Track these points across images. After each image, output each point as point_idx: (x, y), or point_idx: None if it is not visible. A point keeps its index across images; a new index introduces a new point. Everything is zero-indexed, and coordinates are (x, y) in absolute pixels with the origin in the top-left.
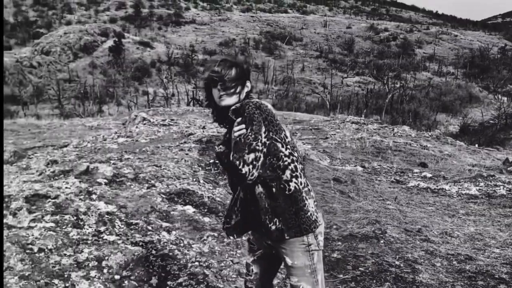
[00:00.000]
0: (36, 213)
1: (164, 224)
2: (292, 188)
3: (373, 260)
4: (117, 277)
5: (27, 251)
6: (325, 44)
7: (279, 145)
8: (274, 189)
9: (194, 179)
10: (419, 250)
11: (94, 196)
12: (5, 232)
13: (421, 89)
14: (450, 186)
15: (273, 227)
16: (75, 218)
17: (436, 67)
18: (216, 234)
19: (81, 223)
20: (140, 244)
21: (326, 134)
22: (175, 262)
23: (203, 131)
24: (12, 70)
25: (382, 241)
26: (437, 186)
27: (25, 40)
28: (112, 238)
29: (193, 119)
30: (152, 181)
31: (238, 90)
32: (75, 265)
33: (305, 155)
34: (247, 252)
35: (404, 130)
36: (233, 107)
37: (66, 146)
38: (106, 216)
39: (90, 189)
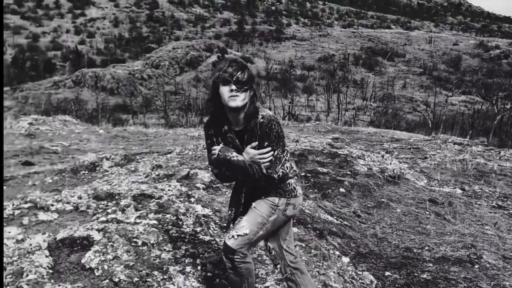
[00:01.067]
0: (141, 211)
1: None
2: (280, 174)
3: (466, 285)
4: (209, 274)
5: (132, 244)
6: (429, 61)
7: (284, 153)
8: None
9: None
10: None
11: (192, 199)
12: (114, 225)
13: None
14: None
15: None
16: (175, 217)
17: None
18: (303, 245)
19: (180, 222)
20: None
21: (425, 154)
22: (263, 266)
23: (296, 145)
24: (125, 81)
25: (476, 266)
26: None
27: (137, 54)
28: (207, 238)
29: (288, 132)
30: None
31: (247, 93)
32: (173, 260)
33: (400, 174)
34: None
35: None
36: (260, 119)
37: (170, 153)
38: (203, 218)
39: (190, 192)
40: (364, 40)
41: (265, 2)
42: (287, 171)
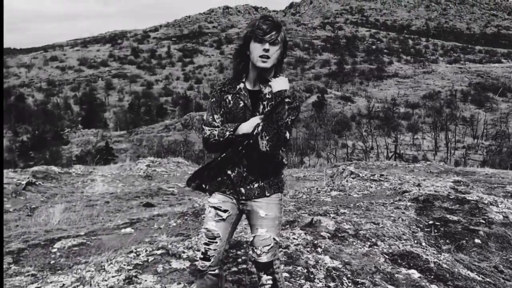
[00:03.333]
0: None
1: (390, 287)
2: (279, 157)
3: None
4: None
5: None
6: None
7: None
8: (268, 157)
9: (416, 241)
10: None
11: (319, 250)
12: (248, 277)
13: None
14: None
15: (256, 185)
16: (305, 270)
17: None
18: None
19: (312, 276)
20: None
21: None
22: None
23: (419, 189)
24: None
25: None
26: None
27: None
28: None
29: (403, 175)
30: (373, 239)
31: (277, 55)
32: None
33: None
34: (209, 219)
35: None
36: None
37: (284, 196)
38: (334, 271)
39: (315, 242)
40: (472, 75)
41: (365, 42)
42: (282, 158)
